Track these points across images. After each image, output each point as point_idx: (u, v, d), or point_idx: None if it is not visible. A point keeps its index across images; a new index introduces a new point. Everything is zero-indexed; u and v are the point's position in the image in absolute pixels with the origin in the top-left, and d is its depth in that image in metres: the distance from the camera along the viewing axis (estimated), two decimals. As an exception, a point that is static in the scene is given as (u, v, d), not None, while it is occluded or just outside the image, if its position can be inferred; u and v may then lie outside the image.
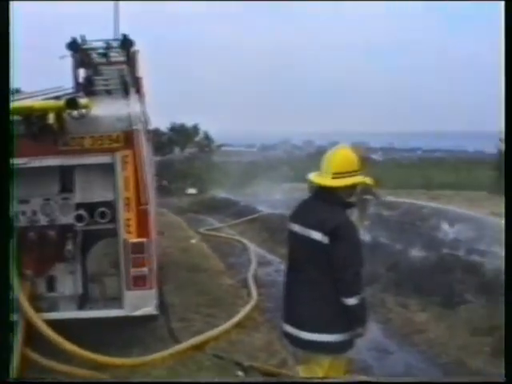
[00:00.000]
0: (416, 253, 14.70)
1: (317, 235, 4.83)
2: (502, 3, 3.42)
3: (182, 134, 63.82)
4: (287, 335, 5.19)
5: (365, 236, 17.70)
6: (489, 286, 10.48)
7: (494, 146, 50.41)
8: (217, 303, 10.43)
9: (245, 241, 18.38)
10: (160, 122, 50.00)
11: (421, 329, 9.27)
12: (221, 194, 40.43)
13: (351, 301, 4.82)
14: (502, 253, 15.65)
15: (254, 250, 16.63)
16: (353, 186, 5.06)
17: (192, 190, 47.43)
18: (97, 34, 8.87)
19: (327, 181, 4.97)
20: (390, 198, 31.77)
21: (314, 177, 5.10)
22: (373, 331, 9.39)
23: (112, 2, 9.51)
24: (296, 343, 5.14)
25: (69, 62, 8.77)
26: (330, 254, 4.78)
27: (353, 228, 4.93)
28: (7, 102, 5.55)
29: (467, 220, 24.63)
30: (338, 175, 4.93)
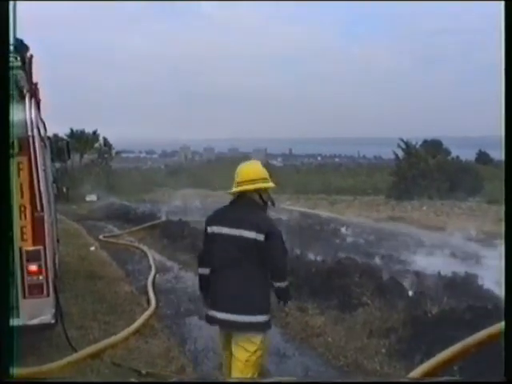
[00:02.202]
0: (314, 257, 14.90)
1: (251, 234, 5.65)
2: (502, 3, 3.52)
3: (81, 141, 62.82)
4: (223, 322, 5.85)
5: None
6: (385, 288, 10.71)
7: (392, 152, 51.76)
8: (115, 311, 10.32)
9: (144, 247, 18.28)
10: (59, 128, 48.96)
11: (319, 332, 9.34)
12: (120, 200, 40.01)
13: (284, 284, 5.85)
14: (399, 256, 16.04)
15: (154, 256, 16.54)
16: (258, 191, 5.91)
17: (92, 197, 46.75)
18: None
19: (233, 188, 5.90)
20: (286, 206, 32.21)
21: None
22: (271, 335, 9.48)
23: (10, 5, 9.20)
24: (233, 327, 5.82)
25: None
26: (266, 249, 5.64)
27: (277, 226, 6.02)
28: (7, 102, 5.29)
29: (364, 225, 25.27)
30: (241, 183, 5.83)
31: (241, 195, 5.91)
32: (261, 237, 5.66)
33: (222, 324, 5.91)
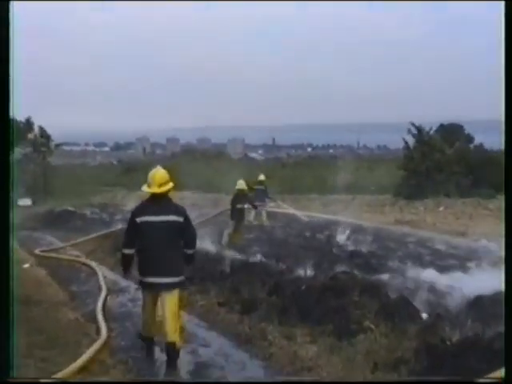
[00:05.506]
0: (304, 271, 14.87)
1: (175, 218, 9.27)
2: (502, 3, 3.66)
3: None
4: (150, 285, 9.38)
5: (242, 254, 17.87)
6: (392, 309, 10.67)
7: (401, 139, 51.24)
8: (55, 344, 10.22)
9: (93, 263, 18.20)
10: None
11: (310, 365, 9.28)
12: (62, 204, 39.78)
13: (193, 251, 9.63)
14: (409, 269, 15.98)
15: (105, 274, 16.48)
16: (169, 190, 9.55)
17: (25, 201, 46.48)
18: None
19: (158, 189, 9.34)
20: (269, 209, 32.12)
21: (146, 188, 9.42)
22: (251, 369, 9.44)
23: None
24: (159, 287, 9.31)
25: None
26: (185, 227, 9.39)
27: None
28: (7, 104, 5.34)
29: (366, 231, 25.22)
30: (161, 185, 9.35)
31: (156, 194, 9.39)
32: (181, 219, 9.33)
33: (156, 286, 9.34)
